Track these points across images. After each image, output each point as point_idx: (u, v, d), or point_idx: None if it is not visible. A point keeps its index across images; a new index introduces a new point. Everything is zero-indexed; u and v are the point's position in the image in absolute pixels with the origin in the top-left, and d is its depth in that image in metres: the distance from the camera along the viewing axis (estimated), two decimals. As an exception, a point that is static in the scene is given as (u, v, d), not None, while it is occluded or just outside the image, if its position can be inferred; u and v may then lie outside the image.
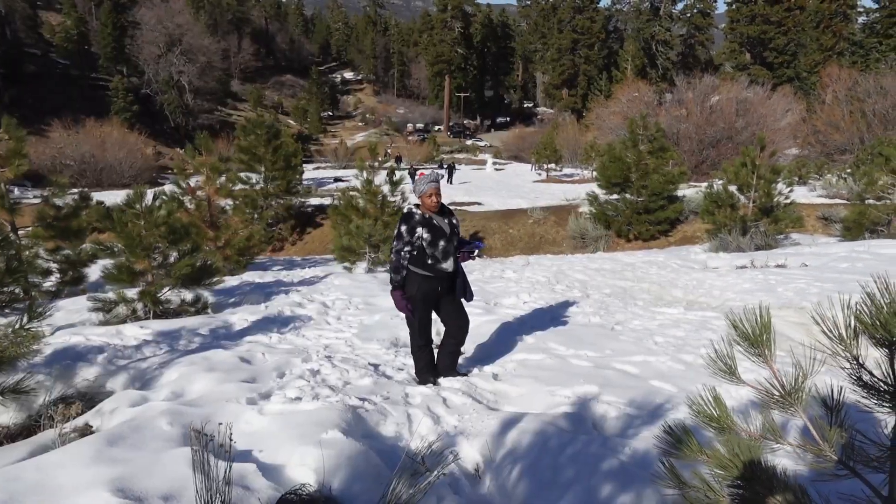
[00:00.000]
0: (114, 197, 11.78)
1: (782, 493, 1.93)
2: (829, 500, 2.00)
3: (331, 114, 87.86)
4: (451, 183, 33.22)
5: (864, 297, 1.93)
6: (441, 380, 4.40)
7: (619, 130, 32.30)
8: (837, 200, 19.74)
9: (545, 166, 40.66)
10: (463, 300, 4.49)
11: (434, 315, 4.42)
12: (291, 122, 75.52)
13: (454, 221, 4.41)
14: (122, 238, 6.02)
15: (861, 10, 62.68)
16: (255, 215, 20.15)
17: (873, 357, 1.98)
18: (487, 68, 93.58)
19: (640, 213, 17.21)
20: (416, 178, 4.31)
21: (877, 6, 58.81)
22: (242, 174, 20.24)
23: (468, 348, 5.29)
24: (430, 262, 4.17)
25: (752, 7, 67.51)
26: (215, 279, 6.92)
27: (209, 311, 7.03)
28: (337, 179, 35.00)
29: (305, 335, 5.76)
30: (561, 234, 19.22)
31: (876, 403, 1.98)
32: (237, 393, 3.82)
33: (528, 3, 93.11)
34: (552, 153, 39.74)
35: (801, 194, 20.59)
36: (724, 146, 33.62)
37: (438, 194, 4.25)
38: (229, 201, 19.00)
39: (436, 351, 4.57)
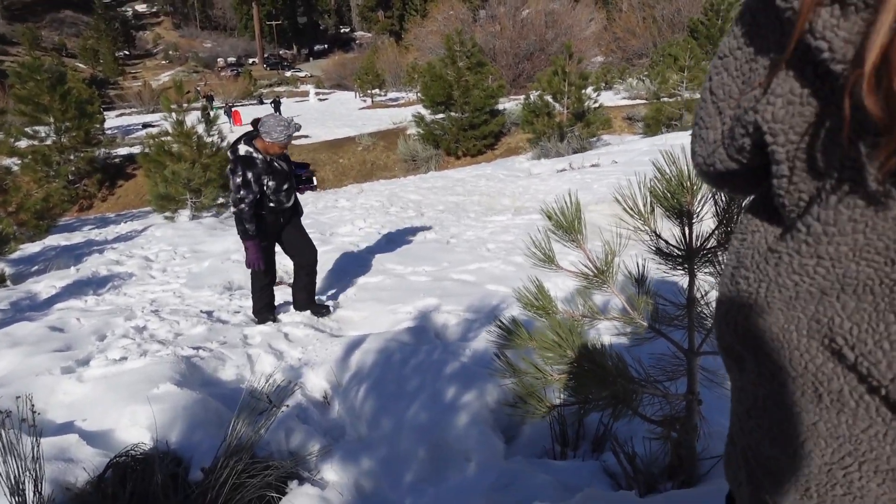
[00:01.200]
0: None
1: (601, 362, 2.09)
2: (640, 361, 2.20)
3: (127, 53, 77.80)
4: None
5: (655, 174, 2.08)
6: (282, 315, 4.24)
7: (438, 50, 32.28)
8: (638, 101, 21.62)
9: (369, 92, 39.85)
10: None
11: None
12: (80, 65, 65.92)
13: (289, 158, 4.19)
14: None
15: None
16: (52, 172, 17.66)
17: (669, 228, 2.15)
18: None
19: (466, 129, 17.60)
20: (268, 120, 3.84)
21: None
22: (27, 129, 17.53)
23: (306, 281, 5.13)
24: (272, 204, 3.96)
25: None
26: (7, 247, 5.98)
27: (7, 283, 6.13)
28: (146, 125, 31.50)
29: (127, 293, 5.22)
30: (392, 159, 19.17)
31: (671, 268, 2.18)
32: (49, 364, 3.37)
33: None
34: (375, 78, 38.96)
35: (608, 98, 22.26)
36: (537, 58, 35.06)
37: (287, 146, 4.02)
38: (15, 160, 16.46)
39: (281, 290, 4.35)
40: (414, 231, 6.73)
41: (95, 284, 5.58)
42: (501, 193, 9.21)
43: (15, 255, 7.58)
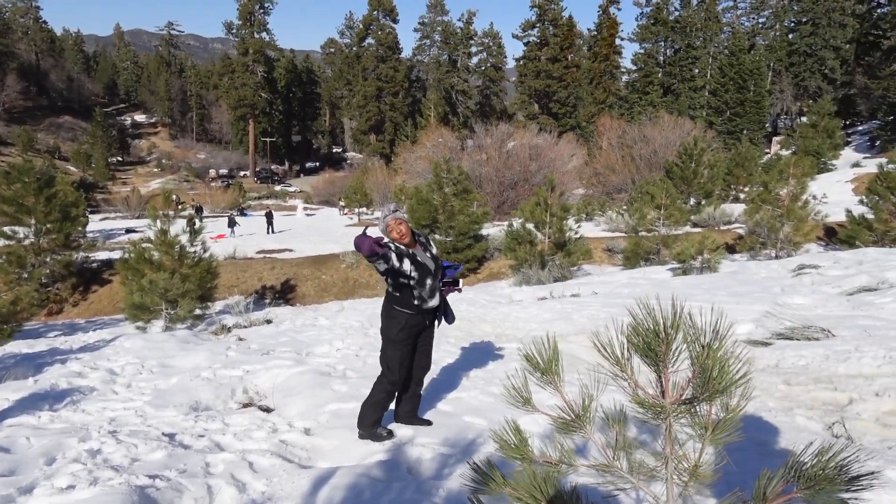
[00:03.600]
0: None
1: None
2: (618, 515, 2.12)
3: (121, 159, 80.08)
4: (272, 232, 31.75)
5: (631, 321, 2.12)
6: (248, 442, 4.06)
7: (426, 174, 33.68)
8: (618, 234, 22.38)
9: (356, 210, 40.97)
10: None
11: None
12: (72, 167, 67.51)
13: (434, 252, 4.09)
14: None
15: (624, 70, 73.11)
16: (25, 275, 17.46)
17: (646, 373, 2.16)
18: (294, 113, 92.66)
19: (450, 252, 17.96)
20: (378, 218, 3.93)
21: (635, 68, 69.10)
22: (6, 228, 17.54)
23: (277, 403, 4.98)
24: (416, 302, 3.87)
25: (537, 64, 75.42)
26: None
27: (-43, 393, 5.82)
28: (129, 230, 31.74)
29: (86, 409, 4.99)
30: (375, 278, 19.31)
31: (651, 417, 2.17)
32: (-13, 492, 3.15)
33: (332, 50, 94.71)
34: (363, 197, 40.21)
35: (589, 229, 23.03)
36: (521, 187, 36.62)
37: (406, 223, 3.90)
38: (-12, 260, 16.35)
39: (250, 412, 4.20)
40: (392, 354, 6.64)
41: (52, 399, 5.33)
42: (482, 319, 9.23)
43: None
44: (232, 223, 31.18)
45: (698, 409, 2.17)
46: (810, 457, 1.86)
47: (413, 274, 3.82)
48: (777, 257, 14.35)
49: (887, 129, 42.84)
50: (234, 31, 79.81)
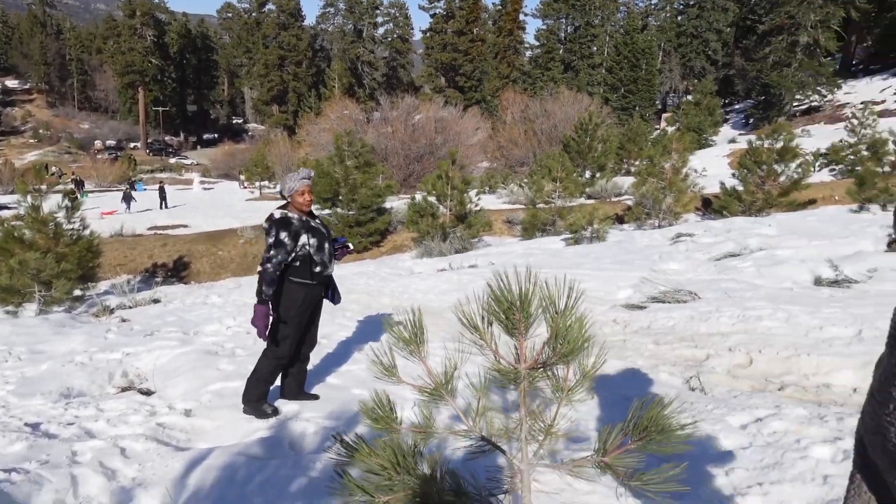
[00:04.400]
0: None
1: (437, 479, 2.10)
2: (474, 475, 2.23)
3: (-10, 129, 72.86)
4: (165, 207, 29.99)
5: (491, 292, 2.21)
6: (119, 427, 3.89)
7: (330, 147, 32.95)
8: (518, 206, 22.96)
9: (257, 184, 39.55)
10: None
11: None
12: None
13: (323, 222, 4.15)
14: None
15: (528, 46, 74.38)
16: None
17: (506, 341, 2.27)
18: (188, 81, 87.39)
19: (352, 226, 17.79)
20: (283, 178, 3.89)
21: (538, 44, 70.50)
22: None
23: (158, 386, 4.80)
24: (317, 269, 3.90)
25: (444, 37, 75.18)
26: None
27: None
28: (1, 207, 29.04)
29: (-62, 403, 4.59)
30: (276, 252, 18.82)
31: (509, 381, 2.28)
32: None
33: (230, 15, 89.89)
34: (264, 170, 38.85)
35: (490, 202, 23.47)
36: (427, 160, 36.66)
37: (311, 192, 3.92)
38: None
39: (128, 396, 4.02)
40: (285, 331, 6.55)
41: None
42: (381, 292, 9.26)
43: None
44: (128, 198, 29.17)
45: (556, 373, 2.32)
46: (642, 410, 2.03)
47: (311, 241, 3.87)
48: (660, 227, 15.29)
49: (759, 108, 46.29)
50: (119, -10, 73.88)
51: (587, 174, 26.56)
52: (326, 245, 3.97)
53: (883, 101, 39.72)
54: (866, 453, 1.12)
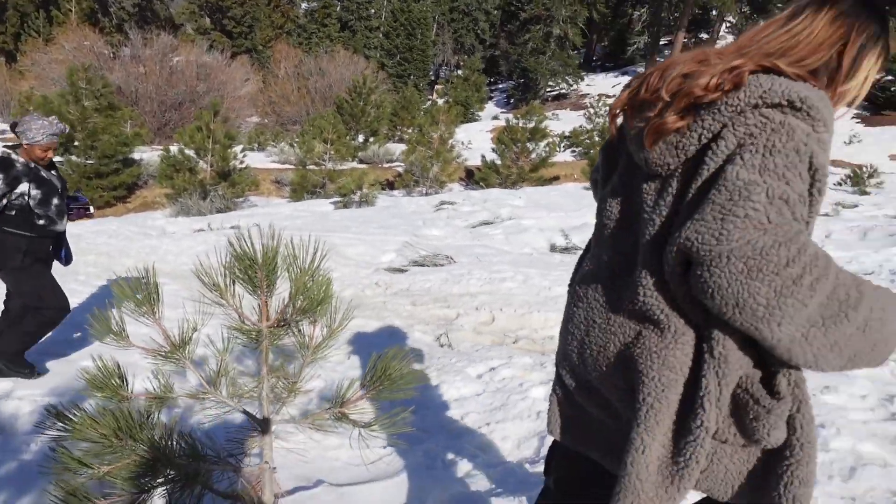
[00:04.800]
0: None
1: (169, 444, 2.00)
2: (213, 438, 2.17)
3: None
4: None
5: (233, 250, 2.14)
6: None
7: (63, 82, 28.30)
8: (288, 166, 22.26)
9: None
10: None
11: None
12: None
13: (60, 175, 3.78)
14: None
15: (304, -2, 71.62)
16: None
17: (252, 302, 2.22)
18: None
19: (91, 178, 15.60)
20: (26, 120, 3.42)
21: (315, -3, 68.29)
22: None
23: None
24: (41, 222, 3.50)
25: (208, -27, 68.75)
26: None
27: None
28: None
29: None
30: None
31: (251, 340, 2.25)
32: None
33: None
34: (-24, 103, 32.14)
35: (259, 160, 22.38)
36: (187, 109, 33.49)
37: (55, 152, 3.64)
38: None
39: None
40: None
41: None
42: (125, 253, 8.34)
43: None
44: None
45: (303, 331, 2.33)
46: (376, 364, 2.16)
47: (34, 192, 3.49)
48: (427, 194, 16.11)
49: (519, 90, 50.85)
50: None
51: (360, 138, 26.71)
52: (55, 200, 3.60)
53: (614, 95, 46.34)
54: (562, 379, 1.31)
